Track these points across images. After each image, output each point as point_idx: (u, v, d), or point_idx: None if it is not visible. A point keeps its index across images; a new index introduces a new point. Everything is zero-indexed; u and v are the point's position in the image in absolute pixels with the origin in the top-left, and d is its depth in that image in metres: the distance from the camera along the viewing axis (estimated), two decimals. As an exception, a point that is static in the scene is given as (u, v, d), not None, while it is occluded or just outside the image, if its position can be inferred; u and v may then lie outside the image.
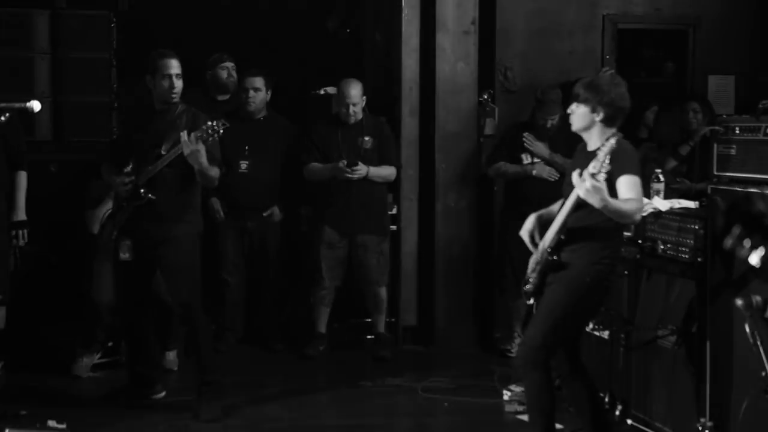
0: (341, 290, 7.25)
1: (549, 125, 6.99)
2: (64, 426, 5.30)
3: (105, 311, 6.47)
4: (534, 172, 7.00)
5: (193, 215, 5.83)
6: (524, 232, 4.87)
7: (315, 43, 8.89)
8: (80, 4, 7.08)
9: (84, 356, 6.50)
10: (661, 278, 5.25)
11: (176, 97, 5.74)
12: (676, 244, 5.11)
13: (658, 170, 5.70)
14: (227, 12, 8.66)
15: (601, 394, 5.32)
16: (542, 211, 4.94)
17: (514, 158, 7.09)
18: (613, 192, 4.51)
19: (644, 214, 5.22)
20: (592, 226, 4.61)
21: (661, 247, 5.20)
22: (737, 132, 5.02)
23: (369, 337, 7.36)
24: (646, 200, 5.25)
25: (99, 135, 6.88)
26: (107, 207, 6.49)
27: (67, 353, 6.53)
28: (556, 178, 6.88)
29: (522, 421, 5.61)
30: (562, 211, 4.70)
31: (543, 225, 4.84)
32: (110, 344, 6.63)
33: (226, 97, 7.44)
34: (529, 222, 4.89)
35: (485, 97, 7.45)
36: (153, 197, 5.66)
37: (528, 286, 4.83)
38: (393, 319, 7.49)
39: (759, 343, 4.33)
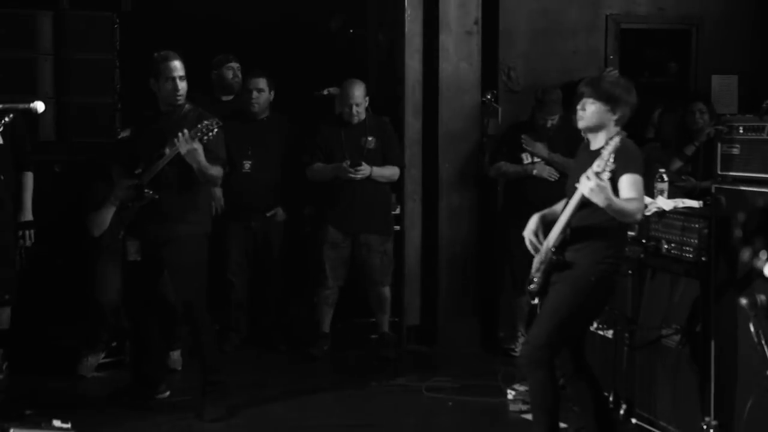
0: (345, 290, 7.25)
1: (549, 125, 7.01)
2: (68, 426, 5.31)
3: (109, 311, 6.48)
4: (534, 172, 7.01)
5: (199, 215, 5.81)
6: (528, 232, 4.87)
7: (318, 43, 8.90)
8: (83, 5, 7.08)
9: (89, 356, 6.51)
10: (665, 277, 5.26)
11: (181, 99, 5.74)
12: (680, 244, 5.11)
13: (662, 170, 5.70)
14: (230, 12, 8.65)
15: (606, 393, 5.32)
16: (546, 211, 4.94)
17: (515, 158, 7.10)
18: (615, 191, 4.51)
19: (648, 213, 5.23)
20: (596, 225, 4.62)
21: (665, 246, 5.20)
22: (741, 131, 5.02)
23: (373, 336, 7.36)
24: (649, 200, 5.26)
25: (102, 136, 6.88)
26: (108, 210, 6.50)
27: (72, 353, 6.54)
28: (556, 178, 6.90)
29: (526, 420, 5.61)
30: (566, 211, 4.70)
31: (546, 225, 4.84)
32: (114, 344, 6.65)
33: (230, 97, 7.44)
34: (533, 222, 4.89)
35: (488, 97, 7.46)
36: (156, 196, 5.67)
37: (532, 286, 4.83)
38: (397, 319, 7.49)
39: (763, 341, 4.34)
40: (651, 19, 7.95)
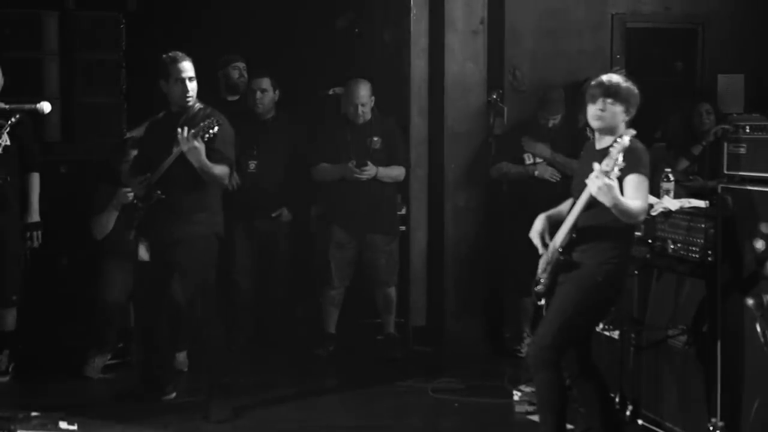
0: (350, 291, 7.25)
1: (551, 125, 7.00)
2: (75, 427, 5.33)
3: (115, 312, 6.48)
4: (536, 173, 7.01)
5: (208, 215, 5.77)
6: (534, 233, 4.86)
7: (324, 43, 8.89)
8: (89, 5, 7.10)
9: (96, 357, 6.51)
10: (672, 278, 5.24)
11: (191, 100, 5.72)
12: (686, 244, 5.09)
13: (668, 169, 5.69)
14: (236, 12, 8.65)
15: (612, 394, 5.31)
16: (552, 211, 4.94)
17: (517, 159, 7.09)
18: (620, 190, 4.50)
19: (654, 213, 5.22)
20: (603, 225, 4.60)
21: (672, 246, 5.19)
22: (747, 131, 5.00)
23: (378, 337, 7.36)
24: (655, 200, 5.25)
25: (109, 135, 6.91)
26: (111, 214, 6.51)
27: (78, 354, 6.55)
28: (558, 179, 6.90)
29: (532, 421, 5.60)
30: (573, 211, 4.69)
31: (553, 225, 4.83)
32: (120, 345, 6.65)
33: (236, 97, 7.44)
34: (539, 222, 4.89)
35: (494, 96, 7.44)
36: (163, 196, 5.66)
37: (539, 287, 4.82)
38: (402, 320, 7.49)
39: (770, 342, 4.33)
40: (657, 18, 7.93)
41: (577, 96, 6.84)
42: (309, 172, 7.13)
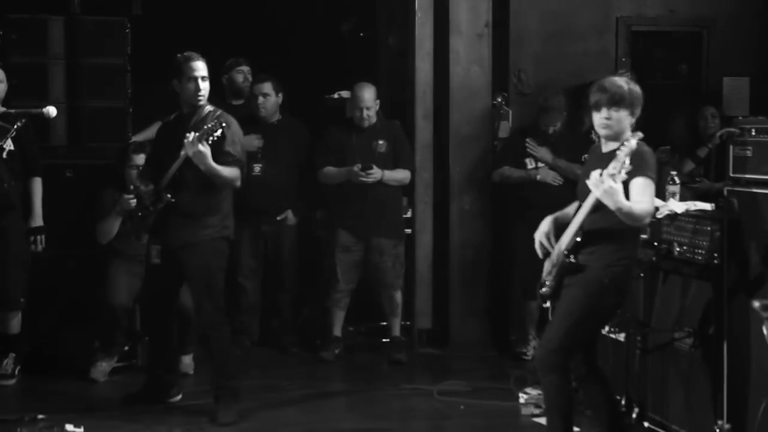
0: (356, 293, 7.26)
1: (551, 131, 7.01)
2: (81, 430, 5.33)
3: (122, 315, 6.49)
4: (538, 177, 7.01)
5: (218, 219, 5.75)
6: (540, 235, 4.86)
7: (329, 46, 8.90)
8: (95, 10, 7.10)
9: (103, 360, 6.52)
10: (677, 280, 5.24)
11: (203, 100, 5.72)
12: (692, 246, 5.09)
13: (674, 172, 5.69)
14: (241, 16, 8.67)
15: (618, 397, 5.31)
16: (557, 214, 4.93)
17: (519, 163, 7.10)
18: (626, 193, 4.50)
19: (660, 216, 5.22)
20: (609, 228, 4.60)
21: (677, 249, 5.18)
22: (753, 134, 5.00)
23: (384, 340, 7.36)
24: (660, 202, 5.25)
25: (114, 140, 6.91)
26: (115, 220, 6.52)
27: (84, 357, 6.55)
28: (561, 183, 6.91)
29: (539, 423, 5.60)
30: (578, 214, 4.68)
31: (559, 227, 4.83)
32: (126, 348, 6.66)
33: (241, 101, 7.46)
34: (545, 225, 4.88)
35: (499, 99, 7.46)
36: (173, 199, 5.66)
37: (545, 290, 4.81)
38: (408, 322, 7.49)
39: (776, 344, 4.32)
40: (662, 21, 7.94)
41: (582, 99, 6.84)
42: (314, 176, 7.13)
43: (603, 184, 4.40)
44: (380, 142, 7.10)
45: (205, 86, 5.70)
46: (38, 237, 6.49)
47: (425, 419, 6.04)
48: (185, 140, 5.50)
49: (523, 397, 5.97)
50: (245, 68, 7.51)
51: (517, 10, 7.60)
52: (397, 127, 7.28)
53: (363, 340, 7.57)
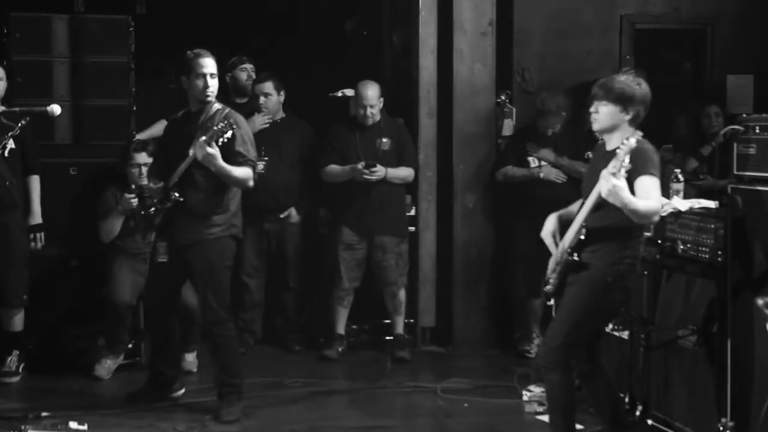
0: (360, 291, 7.26)
1: (550, 133, 7.02)
2: (85, 427, 5.34)
3: (126, 313, 6.49)
4: (541, 175, 7.02)
5: (226, 217, 5.73)
6: (546, 233, 4.87)
7: (333, 45, 8.90)
8: (99, 9, 7.11)
9: (109, 358, 6.53)
10: (681, 278, 5.24)
11: (211, 96, 5.70)
12: (695, 244, 5.09)
13: (677, 170, 5.69)
14: (245, 15, 8.67)
15: (621, 395, 5.31)
16: (562, 212, 4.94)
17: (522, 162, 7.10)
18: (632, 192, 4.50)
19: (664, 214, 5.21)
20: (612, 226, 4.61)
21: (681, 247, 5.18)
22: (757, 131, 5.00)
23: (388, 338, 7.36)
24: (665, 200, 5.24)
25: (118, 138, 6.91)
26: (117, 219, 6.52)
27: (89, 355, 6.56)
28: (564, 180, 6.91)
29: (542, 421, 5.61)
30: (581, 212, 4.69)
31: (564, 225, 4.83)
32: (130, 346, 6.67)
33: (245, 99, 7.46)
34: (550, 222, 4.89)
35: (503, 98, 7.46)
36: (181, 199, 5.65)
37: (548, 287, 4.82)
38: (412, 320, 7.49)
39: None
40: (666, 20, 7.93)
41: (586, 98, 6.83)
42: (318, 174, 7.14)
43: (607, 183, 4.40)
44: (384, 140, 7.10)
45: (213, 83, 5.69)
46: (38, 234, 6.51)
47: (428, 417, 6.04)
48: (195, 142, 5.49)
49: (526, 395, 5.98)
50: (249, 66, 7.51)
51: (520, 9, 7.59)
52: (400, 125, 7.28)
53: (366, 338, 7.58)
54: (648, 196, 4.54)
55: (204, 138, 5.45)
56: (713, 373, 4.99)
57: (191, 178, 5.62)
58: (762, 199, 4.82)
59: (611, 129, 4.70)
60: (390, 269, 7.14)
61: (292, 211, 7.25)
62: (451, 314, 7.45)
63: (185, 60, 5.69)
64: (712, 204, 5.29)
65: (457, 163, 7.40)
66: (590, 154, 6.47)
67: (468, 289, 7.43)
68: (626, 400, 5.45)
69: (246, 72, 7.50)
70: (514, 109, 7.48)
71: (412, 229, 7.43)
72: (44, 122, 6.21)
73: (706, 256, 5.01)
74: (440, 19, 7.43)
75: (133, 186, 6.42)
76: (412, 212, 7.48)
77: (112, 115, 7.01)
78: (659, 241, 5.31)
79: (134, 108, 7.08)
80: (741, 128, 5.09)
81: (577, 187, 4.88)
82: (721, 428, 4.89)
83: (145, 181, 6.27)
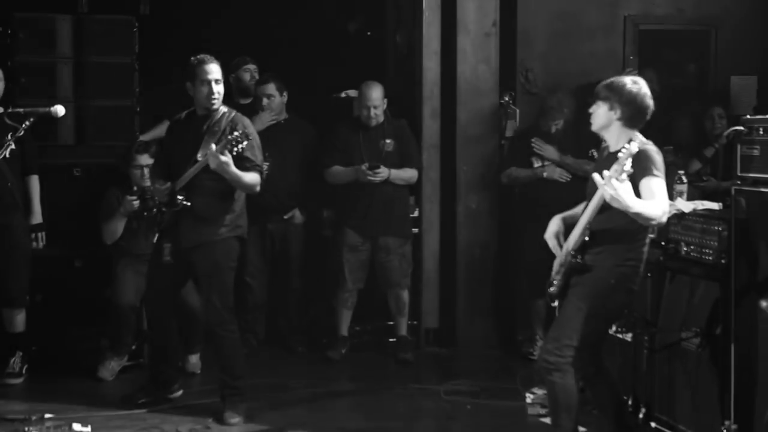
0: (363, 293, 7.26)
1: (553, 131, 7.01)
2: (88, 429, 5.35)
3: (129, 314, 6.49)
4: (545, 174, 7.01)
5: (233, 218, 5.74)
6: (549, 235, 4.86)
7: (336, 45, 8.90)
8: (103, 9, 7.12)
9: (112, 359, 6.52)
10: (685, 280, 5.23)
11: (216, 103, 5.71)
12: (699, 246, 5.08)
13: (681, 171, 5.69)
14: (249, 15, 8.67)
15: (625, 397, 5.30)
16: (566, 213, 4.94)
17: (525, 163, 7.10)
18: (636, 194, 4.49)
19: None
20: (616, 228, 4.60)
21: (685, 248, 5.18)
22: (760, 133, 4.99)
23: (391, 339, 7.36)
24: (669, 202, 5.23)
25: (122, 139, 6.93)
26: (119, 221, 6.53)
27: (92, 356, 6.56)
28: (568, 179, 6.91)
29: (545, 423, 5.60)
30: (585, 213, 4.69)
31: (568, 227, 4.83)
32: (134, 347, 6.66)
33: (248, 100, 7.45)
34: (554, 224, 4.89)
35: (506, 98, 7.45)
36: (188, 204, 5.65)
37: (552, 289, 4.82)
38: (415, 322, 7.49)
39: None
40: (669, 20, 7.92)
41: (589, 98, 6.83)
42: (321, 175, 7.14)
43: (609, 188, 4.39)
44: (387, 141, 7.10)
45: (218, 89, 5.70)
46: (39, 234, 6.51)
47: (432, 419, 6.04)
48: (207, 150, 5.48)
49: (529, 397, 5.97)
50: (252, 67, 7.51)
51: (524, 10, 7.59)
52: (404, 126, 7.28)
53: (370, 340, 7.57)
54: (652, 198, 4.53)
55: (217, 146, 5.45)
56: (717, 376, 4.98)
57: (199, 183, 5.63)
58: (766, 200, 4.81)
59: (604, 128, 4.73)
60: (393, 270, 7.14)
61: (296, 212, 7.26)
62: (455, 316, 7.45)
63: (189, 66, 5.70)
64: (715, 206, 5.28)
65: (460, 164, 7.40)
66: (594, 152, 6.51)
67: (471, 290, 7.43)
68: (630, 402, 5.44)
69: (249, 73, 7.49)
70: (518, 110, 7.47)
71: (415, 230, 7.42)
72: (48, 123, 6.22)
73: (710, 258, 5.01)
74: (444, 20, 7.42)
75: (135, 188, 6.42)
76: (416, 213, 7.48)
77: (115, 115, 7.02)
78: (663, 243, 5.30)
79: (138, 108, 7.09)
80: (744, 129, 5.08)
81: (582, 187, 4.88)
82: (725, 431, 4.88)
83: (147, 183, 6.27)
